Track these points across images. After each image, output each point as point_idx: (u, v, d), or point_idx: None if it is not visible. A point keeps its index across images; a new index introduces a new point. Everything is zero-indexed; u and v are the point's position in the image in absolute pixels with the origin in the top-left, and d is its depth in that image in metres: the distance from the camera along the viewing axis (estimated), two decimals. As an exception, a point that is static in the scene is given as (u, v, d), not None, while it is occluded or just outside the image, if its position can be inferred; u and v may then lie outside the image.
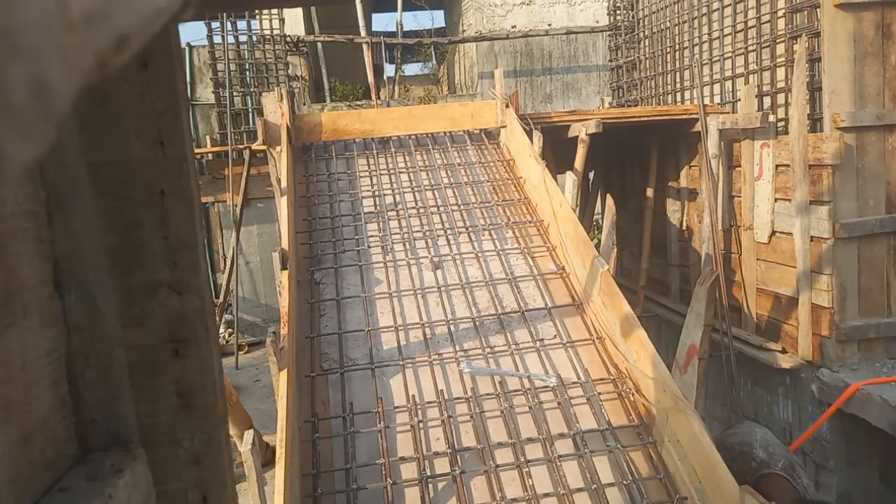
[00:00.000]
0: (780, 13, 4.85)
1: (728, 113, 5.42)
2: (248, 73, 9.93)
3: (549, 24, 11.82)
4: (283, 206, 3.70)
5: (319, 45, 11.28)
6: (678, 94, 6.35)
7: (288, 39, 10.28)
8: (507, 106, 4.83)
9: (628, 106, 7.18)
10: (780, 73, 4.92)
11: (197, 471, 0.83)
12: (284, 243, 3.36)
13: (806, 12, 4.60)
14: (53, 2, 0.23)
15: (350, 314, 3.38)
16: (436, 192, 4.30)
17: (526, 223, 4.02)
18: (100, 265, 0.77)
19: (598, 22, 11.48)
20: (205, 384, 0.82)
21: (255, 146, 8.89)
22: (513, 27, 11.78)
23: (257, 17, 10.16)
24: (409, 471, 2.60)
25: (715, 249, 5.31)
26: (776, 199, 4.83)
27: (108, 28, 0.26)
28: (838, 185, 4.38)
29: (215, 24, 9.65)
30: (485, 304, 3.45)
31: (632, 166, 6.88)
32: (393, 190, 4.31)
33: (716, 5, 5.65)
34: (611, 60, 7.80)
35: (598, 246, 7.30)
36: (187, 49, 10.12)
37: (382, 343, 3.22)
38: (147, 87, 0.76)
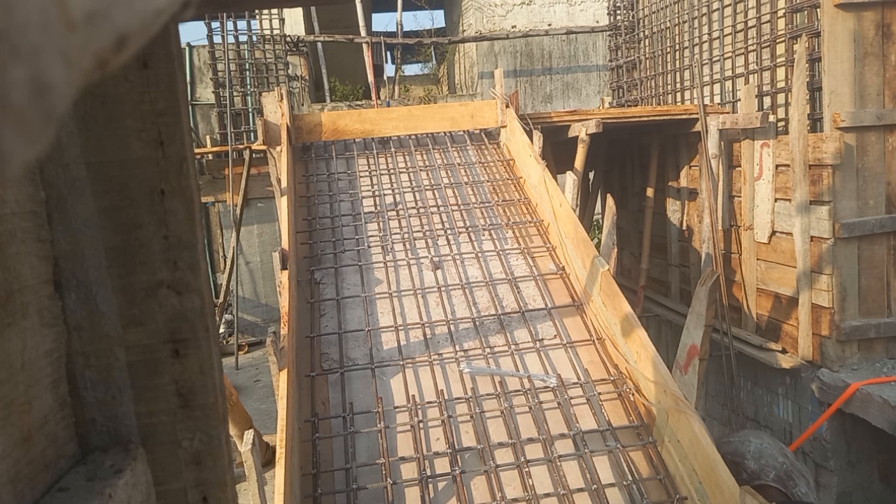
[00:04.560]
0: (780, 13, 4.85)
1: (728, 113, 5.42)
2: (248, 73, 9.94)
3: (549, 24, 11.83)
4: (283, 206, 3.70)
5: (319, 45, 11.29)
6: (678, 94, 6.35)
7: (288, 39, 10.29)
8: (507, 106, 4.83)
9: (628, 106, 7.18)
10: (780, 73, 4.92)
11: (197, 471, 0.83)
12: (284, 243, 3.36)
13: (806, 12, 4.60)
14: (53, 2, 0.23)
15: (350, 314, 3.38)
16: (436, 192, 4.30)
17: (526, 223, 4.02)
18: (100, 265, 0.77)
19: (598, 22, 11.49)
20: (205, 384, 0.82)
21: (255, 146, 8.90)
22: (513, 27, 11.78)
23: (257, 17, 10.16)
24: (409, 471, 2.60)
25: (715, 249, 5.31)
26: (776, 199, 4.83)
27: (108, 28, 0.26)
28: (838, 185, 4.38)
29: (215, 24, 9.66)
30: (485, 304, 3.45)
31: (632, 166, 6.88)
32: (393, 190, 4.31)
33: (716, 5, 5.65)
34: (611, 60, 7.80)
35: (598, 246, 7.31)
36: (187, 49, 10.13)
37: (382, 343, 3.22)
38: (147, 87, 0.76)
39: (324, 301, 3.45)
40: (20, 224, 0.70)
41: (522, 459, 2.60)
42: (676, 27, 6.31)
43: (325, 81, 11.62)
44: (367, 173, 4.49)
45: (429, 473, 2.56)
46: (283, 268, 3.16)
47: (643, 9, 6.98)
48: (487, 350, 3.16)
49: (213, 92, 9.77)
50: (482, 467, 2.60)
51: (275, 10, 10.08)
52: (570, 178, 4.79)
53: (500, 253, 3.79)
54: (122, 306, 0.78)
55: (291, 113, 4.73)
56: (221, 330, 9.46)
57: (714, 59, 5.75)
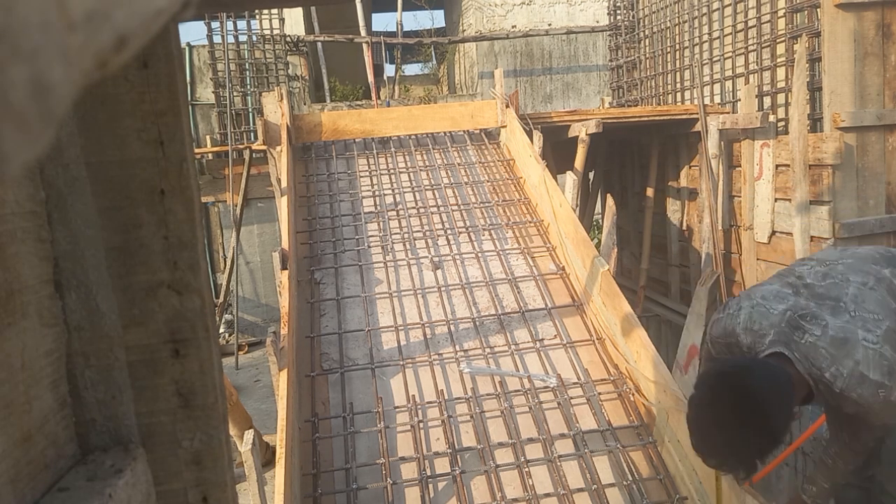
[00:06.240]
0: (781, 13, 4.85)
1: (728, 113, 5.42)
2: (248, 73, 9.93)
3: (549, 24, 11.83)
4: (283, 205, 3.70)
5: (319, 45, 11.28)
6: (678, 94, 6.35)
7: (288, 39, 10.28)
8: (507, 106, 4.83)
9: (628, 106, 7.18)
10: (780, 73, 4.92)
11: (197, 471, 0.83)
12: (284, 243, 3.37)
13: (806, 12, 4.60)
14: (53, 2, 0.23)
15: (350, 314, 3.38)
16: (436, 191, 4.30)
17: (526, 223, 4.02)
18: (100, 265, 0.77)
19: (598, 22, 11.49)
20: (205, 384, 0.82)
21: (255, 146, 8.90)
22: (513, 27, 11.78)
23: (257, 17, 10.16)
24: (409, 471, 2.60)
25: (715, 249, 5.31)
26: (776, 199, 4.83)
27: (108, 28, 0.26)
28: (838, 185, 4.38)
29: (215, 24, 9.66)
30: (485, 304, 3.45)
31: (632, 166, 6.88)
32: (393, 190, 4.31)
33: (716, 5, 5.65)
34: (611, 60, 7.80)
35: (598, 246, 7.30)
36: (187, 49, 10.12)
37: (382, 343, 3.22)
38: (147, 87, 0.76)
39: (324, 301, 3.45)
40: (20, 224, 0.70)
41: (522, 459, 2.60)
42: (676, 27, 6.31)
43: (325, 81, 11.61)
44: (367, 173, 4.49)
45: (429, 473, 2.56)
46: (283, 268, 3.16)
47: (643, 9, 6.97)
48: (487, 350, 3.17)
49: (213, 92, 9.77)
50: (482, 467, 2.60)
51: (275, 10, 10.07)
52: (570, 178, 4.79)
53: (500, 253, 3.79)
54: (122, 306, 0.78)
55: (291, 113, 4.73)
56: (221, 330, 9.46)
57: (714, 59, 5.74)
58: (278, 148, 4.35)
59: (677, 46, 6.31)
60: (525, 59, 11.80)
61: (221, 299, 9.24)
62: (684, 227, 6.04)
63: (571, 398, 2.91)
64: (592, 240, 3.83)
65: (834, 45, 4.31)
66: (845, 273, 1.99)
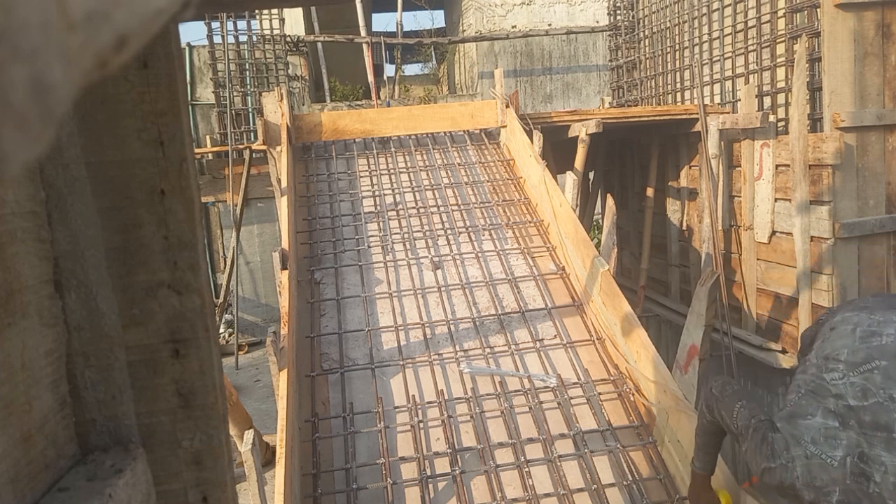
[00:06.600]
0: (780, 13, 4.85)
1: (728, 113, 5.42)
2: (248, 73, 9.93)
3: (549, 24, 11.83)
4: (283, 205, 3.70)
5: (319, 45, 11.28)
6: (678, 94, 6.35)
7: (288, 39, 10.28)
8: (507, 106, 4.83)
9: (628, 106, 7.18)
10: (780, 73, 4.92)
11: (197, 471, 0.83)
12: (284, 243, 3.37)
13: (806, 12, 4.60)
14: (53, 2, 0.23)
15: (350, 314, 3.38)
16: (436, 191, 4.30)
17: (526, 223, 4.02)
18: (100, 265, 0.77)
19: (598, 22, 11.49)
20: (205, 384, 0.82)
21: (255, 146, 8.90)
22: (513, 27, 11.78)
23: (257, 17, 10.16)
24: (409, 471, 2.60)
25: (715, 249, 5.31)
26: (776, 199, 4.83)
27: (108, 28, 0.26)
28: (838, 184, 4.38)
29: (215, 24, 9.66)
30: (485, 304, 3.45)
31: (632, 166, 6.88)
32: (393, 190, 4.31)
33: (716, 5, 5.65)
34: (611, 60, 7.80)
35: (598, 246, 7.30)
36: (187, 49, 10.12)
37: (382, 343, 3.22)
38: (147, 87, 0.76)
39: (324, 301, 3.45)
40: (20, 224, 0.70)
41: (522, 459, 2.60)
42: (676, 27, 6.31)
43: (325, 81, 11.61)
44: (367, 173, 4.49)
45: (429, 473, 2.56)
46: (283, 268, 3.16)
47: (643, 9, 6.97)
48: (487, 350, 3.17)
49: (213, 92, 9.77)
50: (482, 467, 2.60)
51: (275, 10, 10.07)
52: (570, 178, 4.79)
53: (500, 253, 3.79)
54: (122, 306, 0.78)
55: (291, 113, 4.73)
56: (221, 330, 9.46)
57: (714, 59, 5.75)
58: (278, 148, 4.35)
59: (677, 46, 6.31)
60: (525, 59, 11.80)
61: (221, 299, 9.25)
62: (684, 227, 6.04)
63: (571, 398, 2.91)
64: (592, 240, 3.83)
65: (834, 45, 4.31)
66: (887, 387, 1.87)
